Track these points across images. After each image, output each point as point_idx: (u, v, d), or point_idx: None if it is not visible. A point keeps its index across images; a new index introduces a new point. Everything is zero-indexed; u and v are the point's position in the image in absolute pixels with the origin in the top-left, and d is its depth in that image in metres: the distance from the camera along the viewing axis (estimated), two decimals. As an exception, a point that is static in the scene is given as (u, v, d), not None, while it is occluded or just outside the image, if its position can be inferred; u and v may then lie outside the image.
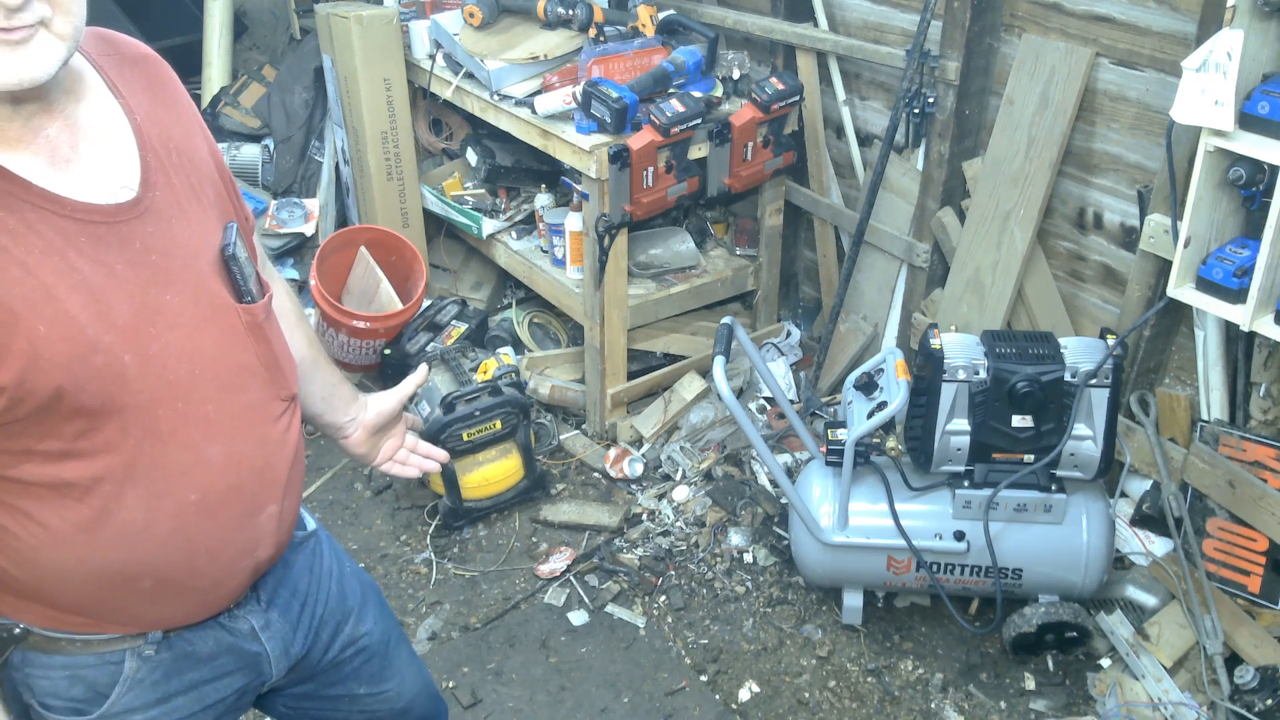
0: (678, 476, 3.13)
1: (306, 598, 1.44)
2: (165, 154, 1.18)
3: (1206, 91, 1.89)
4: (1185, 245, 2.03)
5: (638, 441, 3.27)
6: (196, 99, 4.17)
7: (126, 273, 1.10)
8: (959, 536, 2.37)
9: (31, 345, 1.01)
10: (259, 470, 1.25)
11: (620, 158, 2.81)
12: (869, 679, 2.51)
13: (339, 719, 1.58)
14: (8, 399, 1.02)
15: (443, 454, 1.68)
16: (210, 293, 1.19)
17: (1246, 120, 1.89)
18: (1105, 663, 2.46)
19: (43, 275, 1.03)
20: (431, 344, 3.33)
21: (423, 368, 1.64)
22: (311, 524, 1.51)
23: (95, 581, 1.17)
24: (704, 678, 2.52)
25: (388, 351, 3.32)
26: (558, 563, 2.84)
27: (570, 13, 3.14)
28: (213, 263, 1.20)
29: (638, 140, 2.82)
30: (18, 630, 1.19)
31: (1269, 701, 2.11)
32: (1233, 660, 2.28)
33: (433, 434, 2.82)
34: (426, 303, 3.45)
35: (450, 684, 2.51)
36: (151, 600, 1.22)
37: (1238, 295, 1.99)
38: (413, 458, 1.66)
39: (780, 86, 2.98)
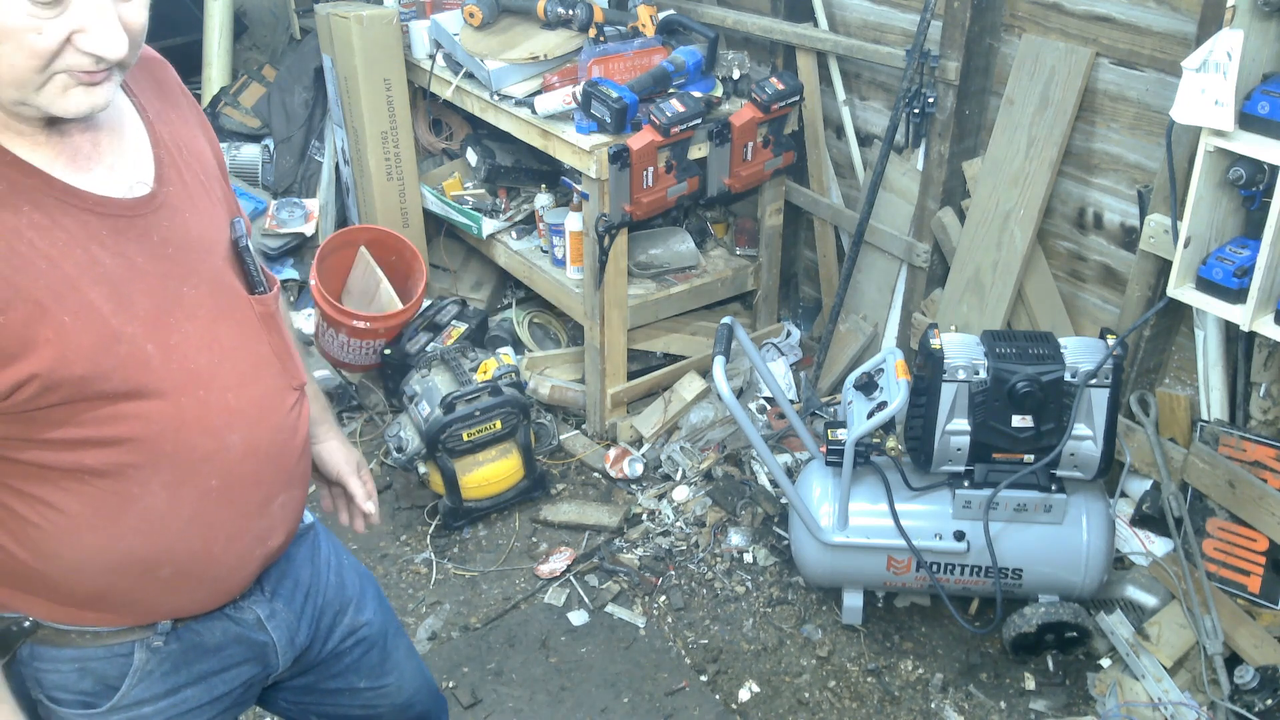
0: (678, 476, 3.13)
1: (310, 588, 1.46)
2: (176, 151, 1.21)
3: (1206, 91, 1.89)
4: (1185, 245, 2.03)
5: (638, 441, 3.27)
6: (196, 99, 4.22)
7: (146, 265, 1.13)
8: (959, 536, 2.37)
9: (59, 335, 1.04)
10: (274, 458, 1.28)
11: (620, 158, 2.81)
12: (869, 679, 2.51)
13: (339, 714, 1.59)
14: (38, 386, 1.04)
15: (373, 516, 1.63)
16: (225, 285, 1.23)
17: (1246, 120, 1.89)
18: (1105, 663, 2.46)
19: (67, 267, 1.05)
20: (431, 344, 3.33)
21: (357, 486, 1.59)
22: (309, 517, 1.53)
23: (115, 569, 1.18)
24: (704, 678, 2.52)
25: (388, 351, 3.32)
26: (558, 563, 2.84)
27: (570, 13, 3.13)
28: (225, 256, 1.24)
29: (638, 140, 2.82)
30: (27, 623, 1.20)
31: (1269, 701, 2.11)
32: (1233, 660, 2.28)
33: (433, 434, 2.82)
34: (426, 303, 3.45)
35: (450, 684, 2.50)
36: (169, 588, 1.23)
37: (1238, 295, 1.99)
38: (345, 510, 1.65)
39: (780, 86, 2.98)
